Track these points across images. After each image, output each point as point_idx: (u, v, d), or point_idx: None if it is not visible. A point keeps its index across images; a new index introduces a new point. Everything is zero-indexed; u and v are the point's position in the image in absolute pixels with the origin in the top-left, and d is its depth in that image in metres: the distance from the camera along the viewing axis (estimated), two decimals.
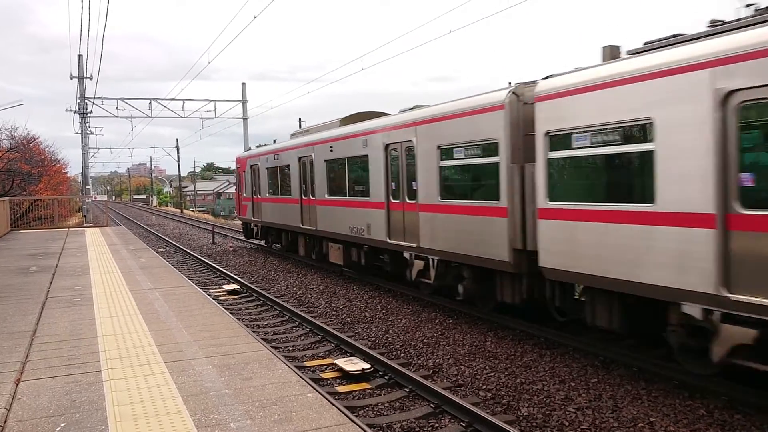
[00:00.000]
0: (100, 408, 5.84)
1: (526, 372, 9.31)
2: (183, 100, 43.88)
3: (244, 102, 46.39)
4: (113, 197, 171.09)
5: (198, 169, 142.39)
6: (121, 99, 42.23)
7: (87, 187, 44.71)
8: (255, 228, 26.99)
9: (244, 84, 46.81)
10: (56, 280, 13.78)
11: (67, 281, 13.63)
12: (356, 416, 7.54)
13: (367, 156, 15.42)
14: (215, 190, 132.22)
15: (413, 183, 13.39)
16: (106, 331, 8.93)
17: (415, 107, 14.12)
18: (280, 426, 5.32)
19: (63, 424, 5.47)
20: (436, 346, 10.96)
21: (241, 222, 30.82)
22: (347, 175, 16.83)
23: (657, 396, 8.12)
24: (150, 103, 43.13)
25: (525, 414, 7.79)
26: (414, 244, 13.35)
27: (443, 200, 12.34)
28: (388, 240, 14.55)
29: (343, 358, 10.18)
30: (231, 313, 11.19)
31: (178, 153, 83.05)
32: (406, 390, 8.77)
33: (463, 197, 11.92)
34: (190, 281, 13.95)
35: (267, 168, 23.86)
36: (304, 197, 19.95)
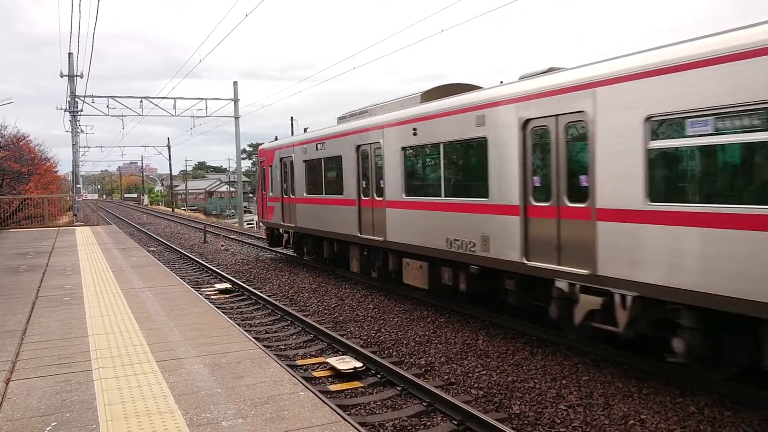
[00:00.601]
0: (91, 407, 5.82)
1: (517, 370, 9.34)
2: (174, 98, 43.73)
3: (235, 100, 46.25)
4: (104, 196, 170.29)
5: (189, 168, 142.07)
6: (112, 97, 42.04)
7: (77, 185, 44.49)
8: (285, 235, 22.27)
9: (235, 82, 46.68)
10: (46, 279, 13.70)
11: (58, 280, 13.55)
12: (348, 415, 7.53)
13: (484, 139, 10.86)
14: (207, 189, 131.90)
15: (581, 177, 9.03)
16: (97, 330, 8.88)
17: (551, 70, 10.07)
18: (272, 424, 5.32)
19: (53, 424, 5.44)
20: (428, 344, 10.97)
21: (264, 228, 25.30)
22: (443, 168, 12.19)
23: (648, 393, 8.16)
24: (141, 101, 42.95)
25: (517, 412, 7.82)
26: (583, 271, 8.86)
27: (656, 203, 7.80)
28: (524, 261, 9.96)
29: (335, 356, 10.19)
30: (223, 312, 11.15)
31: (169, 152, 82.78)
32: (398, 388, 8.78)
33: (710, 199, 7.28)
34: (181, 280, 13.90)
35: (305, 161, 18.99)
36: (363, 197, 15.32)
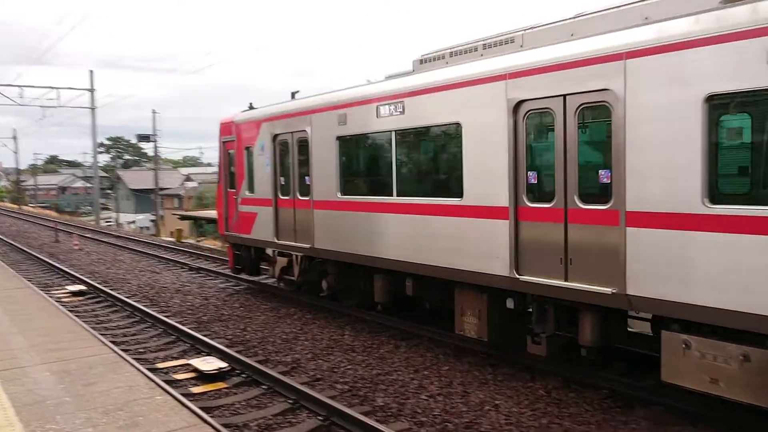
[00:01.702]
0: None
1: (382, 363, 9.55)
2: (21, 86, 40.31)
3: (91, 90, 43.49)
4: None
5: (40, 162, 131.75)
6: None
7: None
8: (282, 259, 13.94)
9: (91, 71, 43.88)
10: None
11: None
12: (212, 416, 7.36)
13: None
14: (60, 185, 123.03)
15: None
16: None
17: None
18: None
19: None
20: (294, 341, 10.94)
21: (229, 243, 16.13)
22: None
23: (502, 380, 8.65)
24: None
25: (381, 404, 7.99)
26: None
27: None
28: None
29: (199, 357, 9.90)
30: (75, 316, 10.49)
31: (15, 144, 76.28)
32: (264, 387, 8.70)
33: None
34: (28, 282, 12.94)
35: (342, 138, 11.45)
36: (528, 203, 8.21)
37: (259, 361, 9.69)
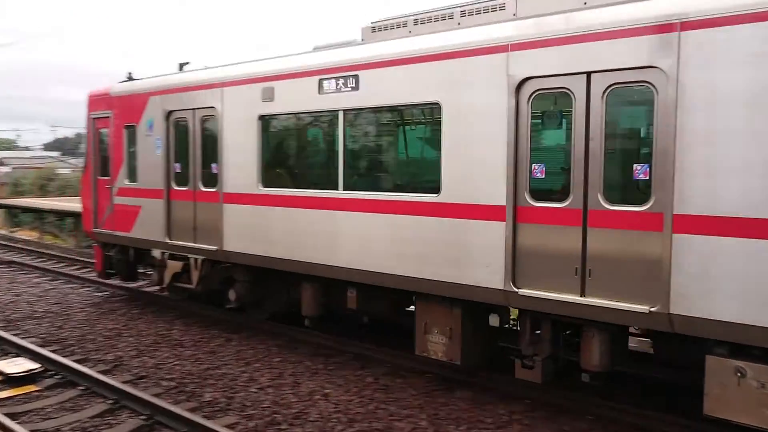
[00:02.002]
0: None
1: (212, 357, 9.33)
2: None
3: None
4: None
5: None
6: None
7: None
8: (175, 264, 11.26)
9: None
10: None
11: None
12: (18, 423, 6.83)
13: None
14: None
15: None
16: None
17: None
18: None
19: None
20: (118, 338, 10.37)
21: (97, 242, 13.20)
22: None
23: (333, 369, 8.81)
24: None
25: (209, 399, 7.81)
26: None
27: None
28: None
29: (5, 359, 9.06)
30: None
31: None
32: (81, 388, 8.17)
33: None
34: None
35: (265, 117, 9.49)
36: (532, 202, 6.78)
37: (76, 361, 9.06)
